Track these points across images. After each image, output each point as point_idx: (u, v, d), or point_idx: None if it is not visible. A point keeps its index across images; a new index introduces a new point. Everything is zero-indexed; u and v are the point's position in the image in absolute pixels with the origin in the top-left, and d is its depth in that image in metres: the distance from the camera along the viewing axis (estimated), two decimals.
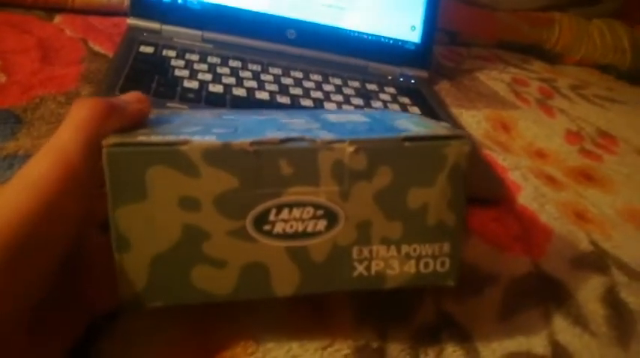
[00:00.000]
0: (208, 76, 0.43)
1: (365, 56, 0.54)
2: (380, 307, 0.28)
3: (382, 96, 0.50)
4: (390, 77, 0.55)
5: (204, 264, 0.21)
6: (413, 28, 0.55)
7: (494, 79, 0.67)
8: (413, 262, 0.23)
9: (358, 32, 0.54)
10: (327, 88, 0.48)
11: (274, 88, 0.45)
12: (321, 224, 0.21)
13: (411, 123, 0.24)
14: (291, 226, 0.21)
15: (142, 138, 0.20)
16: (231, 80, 0.44)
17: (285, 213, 0.21)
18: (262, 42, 0.51)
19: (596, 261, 0.37)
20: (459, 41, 0.75)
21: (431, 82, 0.58)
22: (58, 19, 0.50)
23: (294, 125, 0.23)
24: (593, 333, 0.31)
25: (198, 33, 0.49)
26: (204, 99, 0.40)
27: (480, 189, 0.40)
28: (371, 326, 0.27)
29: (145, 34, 0.47)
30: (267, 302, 0.25)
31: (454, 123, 0.50)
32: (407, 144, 0.21)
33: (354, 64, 0.54)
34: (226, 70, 0.45)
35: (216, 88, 0.42)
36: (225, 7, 0.50)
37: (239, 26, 0.50)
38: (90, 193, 0.20)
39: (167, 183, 0.19)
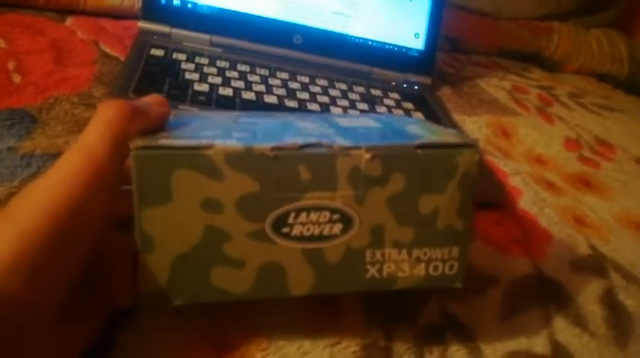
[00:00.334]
0: (218, 80, 0.44)
1: (369, 62, 0.55)
2: (387, 307, 0.29)
3: (386, 101, 0.51)
4: (393, 83, 0.56)
5: (223, 264, 0.21)
6: (416, 35, 0.57)
7: (495, 86, 0.68)
8: (423, 265, 0.23)
9: (363, 39, 0.55)
10: (333, 92, 0.49)
11: (282, 92, 0.46)
12: (337, 227, 0.22)
13: (422, 129, 0.25)
14: (308, 229, 0.22)
15: (167, 142, 0.20)
16: (240, 84, 0.45)
17: (303, 217, 0.21)
18: (270, 47, 0.52)
19: (595, 264, 0.38)
20: (460, 48, 0.76)
21: (433, 88, 0.59)
22: (69, 20, 0.50)
23: (310, 130, 0.24)
24: (592, 333, 0.32)
25: (207, 37, 0.50)
26: (214, 102, 0.41)
27: (482, 193, 0.41)
28: (378, 325, 0.28)
29: (155, 38, 0.48)
30: (279, 302, 0.26)
31: (458, 129, 0.51)
32: (420, 151, 0.22)
33: (358, 70, 0.55)
34: (235, 74, 0.46)
35: (226, 91, 0.43)
36: (234, 12, 0.51)
37: (247, 31, 0.51)
38: (115, 192, 0.20)
39: (191, 186, 0.20)
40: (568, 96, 0.72)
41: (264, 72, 0.48)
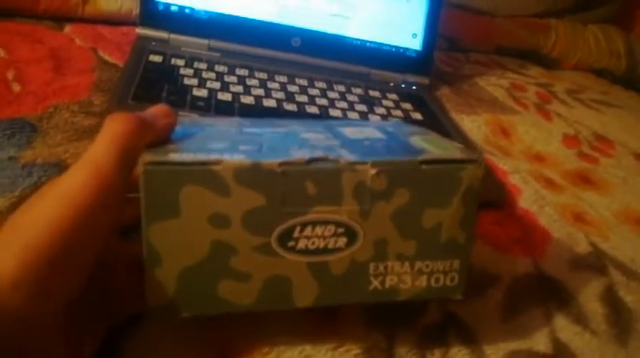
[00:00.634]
0: (217, 85, 0.44)
1: (367, 63, 0.55)
2: (388, 310, 0.29)
3: (385, 102, 0.51)
4: (392, 84, 0.56)
5: (230, 278, 0.22)
6: (414, 35, 0.57)
7: (493, 84, 0.68)
8: (425, 277, 0.24)
9: (361, 40, 0.55)
10: (332, 95, 0.49)
11: (281, 95, 0.46)
12: (342, 241, 0.22)
13: (425, 141, 0.25)
14: (314, 243, 0.22)
15: (177, 157, 0.20)
16: (239, 88, 0.45)
17: (308, 231, 0.22)
18: (268, 50, 0.52)
19: (595, 262, 0.38)
20: (457, 47, 0.77)
21: (432, 87, 0.59)
22: (67, 28, 0.51)
23: (314, 141, 0.24)
24: (593, 331, 0.32)
25: (205, 42, 0.50)
26: (213, 107, 0.41)
27: (481, 193, 0.41)
28: (380, 328, 0.28)
29: (153, 44, 0.48)
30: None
31: (456, 129, 0.52)
32: (424, 167, 0.22)
33: (357, 71, 0.55)
34: (234, 79, 0.46)
35: (225, 96, 0.43)
36: (231, 16, 0.51)
37: (245, 35, 0.51)
38: (121, 205, 0.20)
39: (199, 201, 0.20)
40: (566, 92, 0.72)
41: (263, 75, 0.48)
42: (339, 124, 0.29)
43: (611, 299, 0.35)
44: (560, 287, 0.35)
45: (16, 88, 0.39)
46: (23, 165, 0.32)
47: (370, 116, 0.47)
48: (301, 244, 0.22)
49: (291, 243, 0.22)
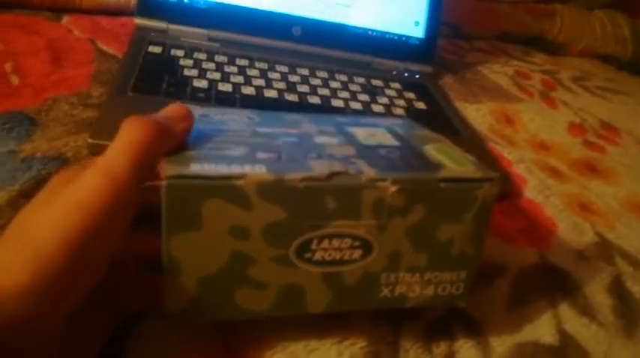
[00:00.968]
0: (217, 75, 0.44)
1: (370, 52, 0.54)
2: None
3: (388, 91, 0.50)
4: (394, 72, 0.55)
5: (247, 286, 0.22)
6: (417, 23, 0.56)
7: (497, 72, 0.68)
8: (432, 286, 0.25)
9: (363, 29, 0.54)
10: (334, 84, 0.48)
11: (282, 85, 0.45)
12: (357, 253, 0.23)
13: (439, 152, 0.26)
14: (330, 255, 0.22)
15: (197, 168, 0.20)
16: (240, 79, 0.44)
17: (325, 243, 0.22)
18: (268, 40, 0.51)
19: (602, 252, 0.38)
20: (461, 34, 0.75)
21: (435, 76, 0.58)
22: (65, 19, 0.50)
23: (330, 148, 0.24)
24: (600, 323, 0.32)
25: (204, 32, 0.49)
26: (214, 98, 0.40)
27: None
28: (385, 321, 0.28)
29: (152, 34, 0.48)
30: None
31: (460, 118, 0.51)
32: (443, 185, 0.23)
33: (359, 60, 0.54)
34: (234, 69, 0.46)
35: (226, 87, 0.42)
36: (231, 5, 0.50)
37: (244, 24, 0.50)
38: (134, 212, 0.20)
39: (221, 214, 0.20)
40: (572, 80, 0.72)
41: (264, 65, 0.48)
42: (347, 123, 0.29)
43: (619, 290, 0.35)
44: (567, 277, 0.35)
45: (15, 80, 0.39)
46: (23, 158, 0.32)
47: (373, 106, 0.47)
48: (318, 255, 0.22)
49: (308, 255, 0.22)
